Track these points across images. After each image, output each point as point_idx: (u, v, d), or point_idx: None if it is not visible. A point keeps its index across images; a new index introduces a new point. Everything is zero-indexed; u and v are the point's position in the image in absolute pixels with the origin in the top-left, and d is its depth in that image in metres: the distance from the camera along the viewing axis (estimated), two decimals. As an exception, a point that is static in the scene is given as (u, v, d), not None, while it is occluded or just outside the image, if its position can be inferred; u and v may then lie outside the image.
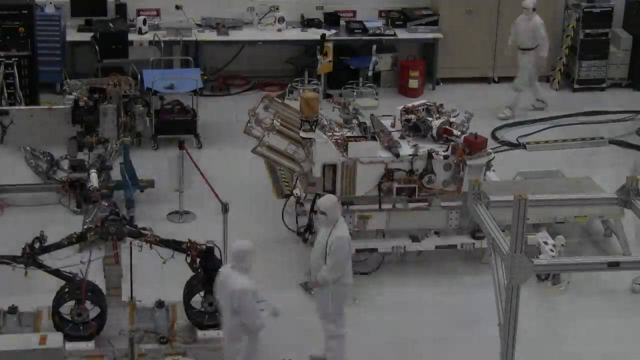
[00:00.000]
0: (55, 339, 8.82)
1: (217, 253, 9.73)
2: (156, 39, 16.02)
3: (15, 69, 14.48)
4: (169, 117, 14.71)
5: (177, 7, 16.62)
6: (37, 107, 13.91)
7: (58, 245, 9.65)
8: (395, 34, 16.86)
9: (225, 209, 10.69)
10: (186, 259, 9.67)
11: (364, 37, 16.70)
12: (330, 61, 15.62)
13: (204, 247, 9.66)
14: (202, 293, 9.77)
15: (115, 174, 12.73)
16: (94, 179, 11.63)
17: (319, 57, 15.52)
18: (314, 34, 16.52)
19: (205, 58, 16.71)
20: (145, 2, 16.84)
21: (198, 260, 9.66)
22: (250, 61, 17.10)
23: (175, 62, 16.23)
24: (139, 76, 14.68)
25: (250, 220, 12.36)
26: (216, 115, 15.66)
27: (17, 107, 13.39)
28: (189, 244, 9.65)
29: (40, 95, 15.26)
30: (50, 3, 16.14)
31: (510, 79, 16.37)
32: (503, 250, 8.47)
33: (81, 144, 12.31)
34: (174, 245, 9.72)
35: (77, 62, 16.37)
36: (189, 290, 9.82)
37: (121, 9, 16.42)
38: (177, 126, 14.67)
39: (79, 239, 9.67)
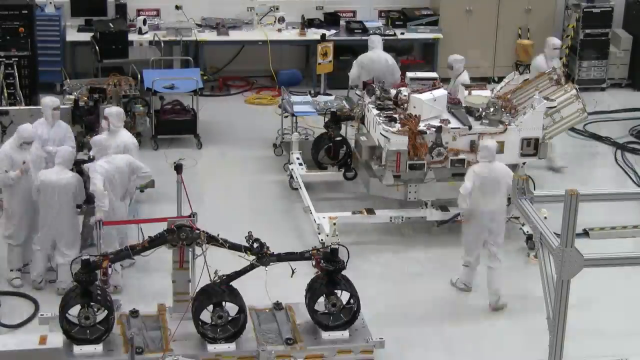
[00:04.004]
0: (55, 339, 8.81)
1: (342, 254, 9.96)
2: (156, 39, 16.03)
3: (15, 69, 14.48)
4: (169, 117, 14.72)
5: (177, 7, 16.62)
6: (37, 107, 13.90)
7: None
8: (395, 34, 16.87)
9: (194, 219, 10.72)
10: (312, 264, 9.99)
11: (364, 37, 16.70)
12: (330, 61, 15.61)
13: (328, 249, 9.92)
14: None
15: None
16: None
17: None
18: (314, 34, 16.53)
19: (205, 58, 16.71)
20: (145, 2, 16.85)
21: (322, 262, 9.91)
22: (250, 61, 17.10)
23: (175, 62, 16.23)
24: (139, 76, 14.68)
25: (249, 221, 12.36)
26: (216, 115, 15.66)
27: (17, 107, 13.40)
28: (312, 250, 9.95)
29: (40, 95, 15.25)
30: (50, 3, 16.13)
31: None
32: (552, 245, 8.50)
33: (81, 144, 12.31)
34: (296, 256, 10.05)
35: (77, 62, 16.38)
36: (312, 293, 10.00)
37: (121, 9, 16.42)
38: (177, 126, 14.67)
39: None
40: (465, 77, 13.39)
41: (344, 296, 9.99)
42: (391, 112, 12.35)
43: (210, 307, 9.72)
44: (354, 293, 9.96)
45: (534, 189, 11.40)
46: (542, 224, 8.88)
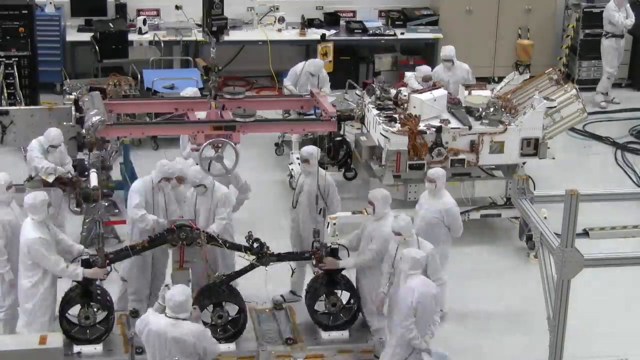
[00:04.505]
0: (55, 339, 8.81)
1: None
2: (156, 39, 16.02)
3: (15, 69, 14.48)
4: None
5: (177, 7, 16.62)
6: (37, 107, 13.91)
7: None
8: (395, 34, 16.87)
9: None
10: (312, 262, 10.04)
11: (364, 37, 16.72)
12: (330, 61, 15.62)
13: (328, 249, 9.89)
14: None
15: (115, 174, 12.71)
16: (93, 179, 11.61)
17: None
18: (314, 34, 16.53)
19: (205, 58, 16.70)
20: (145, 2, 16.85)
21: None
22: (250, 61, 17.10)
23: (175, 62, 16.23)
24: (139, 76, 14.68)
25: (249, 221, 12.36)
26: (216, 115, 15.64)
27: (17, 107, 13.40)
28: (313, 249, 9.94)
29: (40, 95, 15.25)
30: (50, 3, 16.14)
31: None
32: (552, 245, 8.51)
33: (81, 144, 12.30)
34: (296, 256, 10.14)
35: (77, 62, 16.37)
36: (313, 293, 9.99)
37: (121, 9, 16.43)
38: (177, 126, 14.65)
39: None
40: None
41: (344, 296, 10.00)
42: (391, 112, 12.36)
43: (211, 307, 9.72)
44: (354, 293, 9.96)
45: (534, 189, 11.45)
46: (542, 224, 8.89)
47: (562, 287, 8.54)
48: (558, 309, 8.62)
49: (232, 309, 9.81)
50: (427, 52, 17.37)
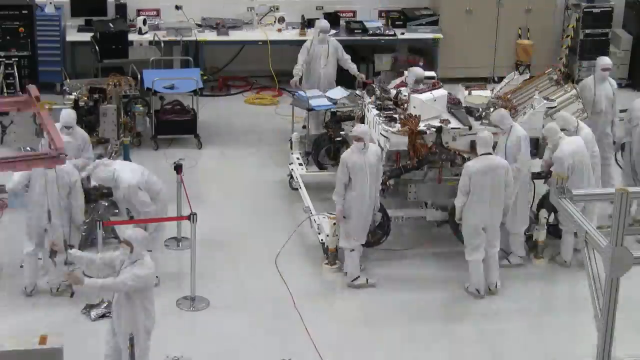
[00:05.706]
0: (55, 339, 8.81)
1: None
2: (156, 39, 16.02)
3: (15, 69, 14.49)
4: (169, 117, 14.72)
5: (177, 7, 16.62)
6: (37, 107, 13.90)
7: None
8: (395, 34, 16.87)
9: (193, 219, 10.61)
10: None
11: (364, 37, 16.72)
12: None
13: None
14: None
15: (115, 174, 12.71)
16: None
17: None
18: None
19: (205, 58, 16.71)
20: (145, 2, 16.85)
21: None
22: (250, 61, 17.11)
23: (175, 62, 16.23)
24: (139, 76, 14.68)
25: (250, 221, 12.38)
26: (216, 115, 15.67)
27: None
28: None
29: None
30: (50, 3, 16.14)
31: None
32: (600, 244, 8.46)
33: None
34: None
35: (77, 62, 16.37)
36: None
37: (121, 9, 16.43)
38: (177, 126, 14.68)
39: None
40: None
41: None
42: (391, 112, 12.36)
43: None
44: None
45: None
46: (587, 223, 8.79)
47: (612, 286, 8.45)
48: (607, 307, 8.53)
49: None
50: (427, 52, 17.36)
